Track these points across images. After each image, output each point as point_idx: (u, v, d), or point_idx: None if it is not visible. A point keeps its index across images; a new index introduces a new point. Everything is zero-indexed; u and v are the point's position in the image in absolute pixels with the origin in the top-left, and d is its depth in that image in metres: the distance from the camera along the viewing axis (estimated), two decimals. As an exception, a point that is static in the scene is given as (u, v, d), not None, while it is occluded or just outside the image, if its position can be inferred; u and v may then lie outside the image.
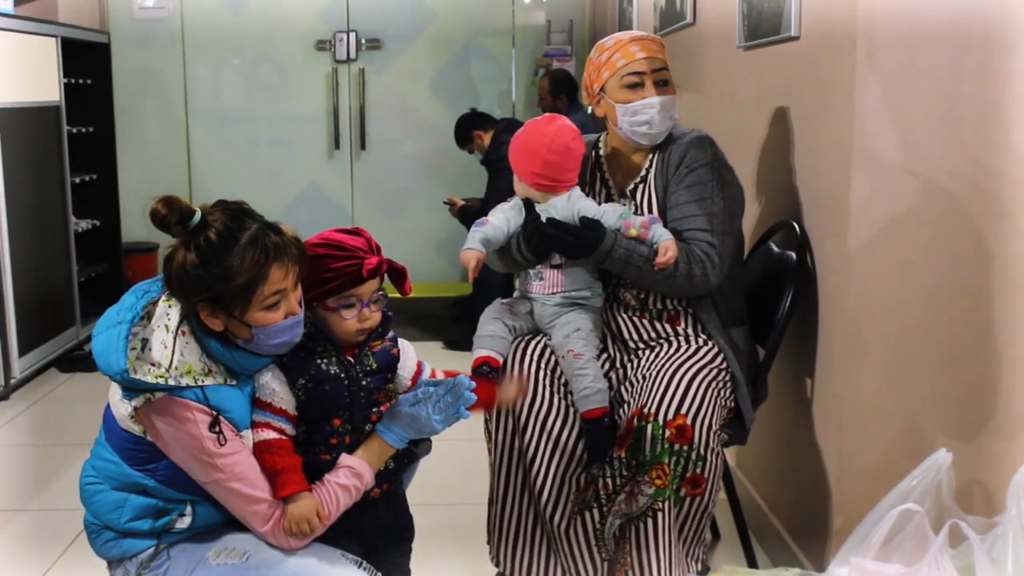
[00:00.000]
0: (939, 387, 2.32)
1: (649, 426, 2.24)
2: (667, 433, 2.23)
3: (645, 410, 2.27)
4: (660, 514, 2.24)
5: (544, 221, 2.30)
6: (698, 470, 2.25)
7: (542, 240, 2.29)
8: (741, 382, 2.38)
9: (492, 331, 2.42)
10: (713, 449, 2.26)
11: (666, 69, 2.42)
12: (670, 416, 2.24)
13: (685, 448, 2.23)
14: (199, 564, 1.81)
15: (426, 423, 1.89)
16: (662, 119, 2.39)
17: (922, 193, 2.25)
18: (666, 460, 2.23)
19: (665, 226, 2.37)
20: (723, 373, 2.36)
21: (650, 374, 2.33)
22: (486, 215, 4.82)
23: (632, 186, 2.47)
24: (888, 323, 2.31)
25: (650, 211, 2.43)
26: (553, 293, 2.43)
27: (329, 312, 1.87)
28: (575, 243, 2.28)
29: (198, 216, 1.73)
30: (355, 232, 1.91)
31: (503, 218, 2.39)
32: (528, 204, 2.37)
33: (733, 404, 2.38)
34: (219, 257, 1.71)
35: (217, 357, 1.79)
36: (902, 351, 2.31)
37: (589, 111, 6.09)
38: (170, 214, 1.71)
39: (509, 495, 2.41)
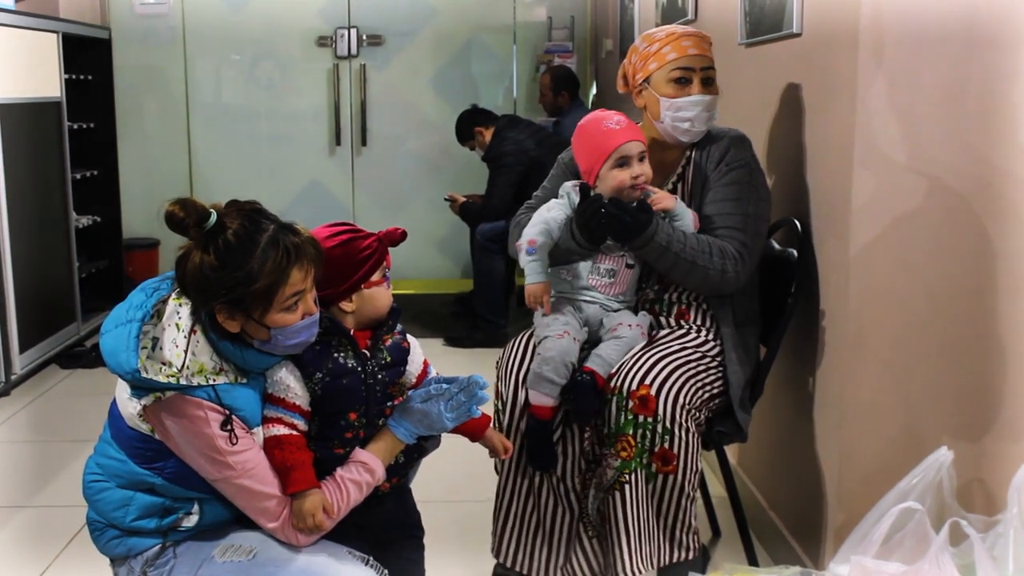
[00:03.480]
0: (940, 385, 2.32)
1: (614, 398, 2.25)
2: (630, 404, 2.23)
3: (612, 384, 2.28)
4: (627, 487, 2.24)
5: (606, 201, 2.30)
6: (666, 444, 2.24)
7: (602, 219, 2.28)
8: (738, 383, 2.38)
9: (560, 380, 2.31)
10: (682, 425, 2.24)
11: (713, 68, 2.44)
12: (633, 387, 2.24)
13: (649, 420, 2.23)
14: (205, 562, 1.80)
15: (437, 420, 1.90)
16: (703, 119, 2.41)
17: (925, 191, 2.25)
18: (630, 432, 2.23)
19: (700, 219, 2.40)
20: (707, 359, 2.36)
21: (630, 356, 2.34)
22: (487, 212, 4.81)
23: (670, 185, 2.49)
24: (890, 321, 2.31)
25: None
26: (619, 294, 2.42)
27: (377, 286, 1.91)
28: (633, 223, 2.27)
29: (214, 218, 1.72)
30: (338, 223, 1.95)
31: (544, 229, 2.38)
32: (584, 188, 2.37)
33: (719, 391, 2.37)
34: (239, 260, 1.70)
35: (228, 356, 1.78)
36: (904, 349, 2.31)
37: (590, 107, 6.08)
38: (187, 216, 1.70)
39: (516, 489, 2.40)
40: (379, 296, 1.92)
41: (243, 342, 1.79)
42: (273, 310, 1.74)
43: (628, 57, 2.53)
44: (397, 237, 1.93)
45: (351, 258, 1.88)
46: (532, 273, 2.38)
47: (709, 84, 2.42)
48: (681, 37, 2.42)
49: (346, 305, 1.91)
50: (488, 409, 2.40)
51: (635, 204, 2.31)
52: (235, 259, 1.70)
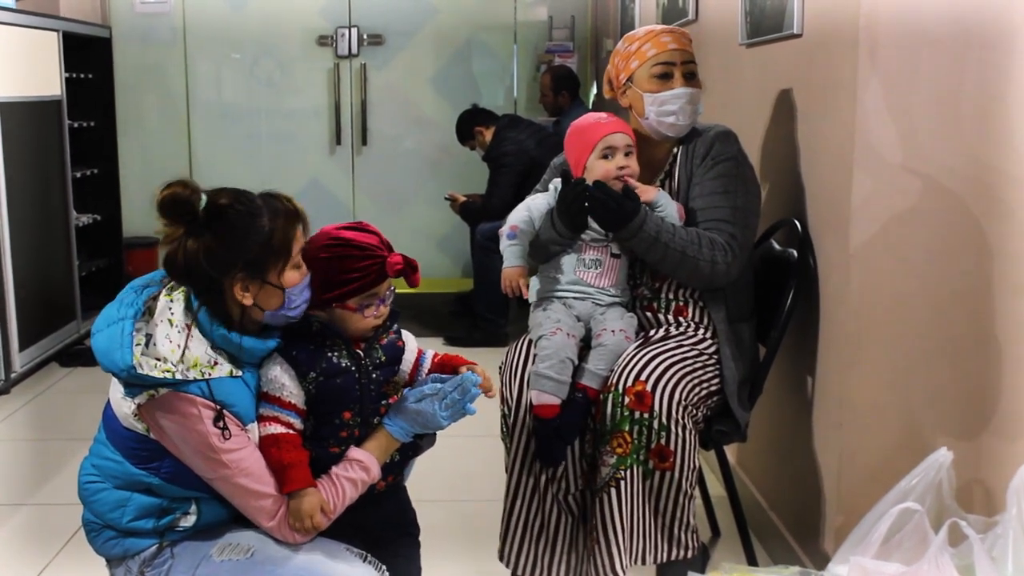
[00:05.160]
0: (940, 386, 2.32)
1: (610, 396, 2.26)
2: (626, 400, 2.23)
3: (608, 382, 2.29)
4: (623, 483, 2.23)
5: (591, 185, 2.31)
6: (662, 441, 2.23)
7: (586, 201, 2.29)
8: (732, 378, 2.38)
9: (560, 376, 2.30)
10: (679, 421, 2.24)
11: (694, 63, 2.46)
12: (629, 383, 2.24)
13: (645, 415, 2.22)
14: (203, 561, 1.81)
15: (432, 419, 1.90)
16: (688, 112, 2.42)
17: (924, 192, 2.25)
18: (626, 428, 2.23)
19: (688, 214, 2.41)
20: (704, 356, 2.36)
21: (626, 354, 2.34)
22: (487, 212, 4.80)
23: (658, 183, 2.49)
24: (889, 322, 2.31)
25: None
26: (610, 286, 2.42)
27: (350, 312, 1.88)
28: (617, 209, 2.28)
29: (205, 198, 1.74)
30: (362, 228, 1.92)
31: (526, 217, 2.42)
32: (567, 174, 2.38)
33: (716, 389, 2.37)
34: (251, 223, 1.75)
35: (221, 345, 1.79)
36: (903, 350, 2.31)
37: (590, 107, 6.08)
38: (192, 194, 1.72)
39: (523, 491, 2.39)
40: (350, 320, 1.89)
41: (242, 329, 1.79)
42: (289, 266, 1.79)
43: (611, 60, 2.54)
44: (398, 269, 1.87)
45: (332, 275, 1.85)
46: (510, 257, 2.42)
47: (691, 78, 2.43)
48: (660, 33, 2.45)
49: (318, 314, 1.90)
50: (493, 413, 2.41)
51: (620, 191, 2.31)
52: (247, 223, 1.74)
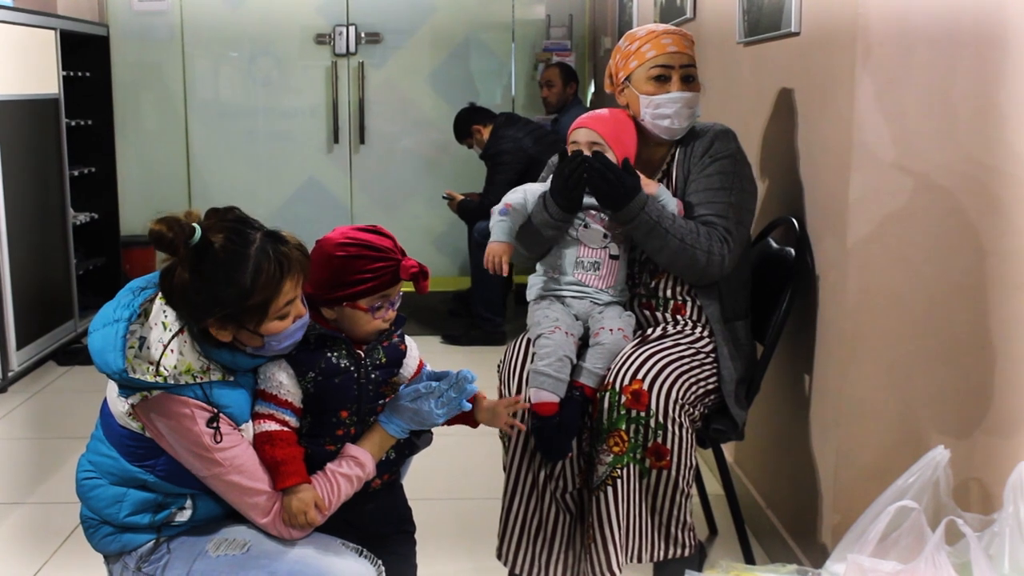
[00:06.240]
0: (937, 384, 2.32)
1: (607, 394, 2.26)
2: (623, 399, 2.23)
3: (605, 381, 2.29)
4: (620, 481, 2.23)
5: (590, 155, 2.29)
6: (659, 440, 2.23)
7: (587, 172, 2.27)
8: (729, 377, 2.38)
9: (558, 374, 2.31)
10: (676, 420, 2.24)
11: (693, 66, 2.45)
12: (626, 382, 2.24)
13: (642, 414, 2.23)
14: (199, 556, 1.81)
15: (428, 417, 1.90)
16: (684, 116, 2.42)
17: (920, 190, 2.25)
18: (623, 426, 2.23)
19: (684, 209, 2.41)
20: (701, 355, 2.36)
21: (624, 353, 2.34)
22: (485, 210, 4.80)
23: (655, 181, 2.49)
24: (886, 320, 2.31)
25: None
26: (608, 288, 2.42)
27: (360, 312, 1.87)
28: (617, 184, 2.27)
29: (199, 233, 1.69)
30: (377, 231, 1.91)
31: (521, 197, 2.42)
32: (564, 152, 2.39)
33: (713, 388, 2.37)
34: (231, 276, 1.69)
35: (214, 357, 1.78)
36: (900, 348, 2.31)
37: (588, 104, 6.07)
38: (176, 235, 1.66)
39: (521, 490, 2.39)
40: (360, 321, 1.88)
41: (233, 347, 1.79)
42: (268, 320, 1.74)
43: (612, 57, 2.54)
44: (412, 272, 1.88)
45: (346, 274, 1.85)
46: (498, 232, 2.41)
47: (689, 81, 2.43)
48: (661, 35, 2.44)
49: (327, 312, 1.90)
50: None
51: (622, 165, 2.30)
52: (227, 276, 1.69)
